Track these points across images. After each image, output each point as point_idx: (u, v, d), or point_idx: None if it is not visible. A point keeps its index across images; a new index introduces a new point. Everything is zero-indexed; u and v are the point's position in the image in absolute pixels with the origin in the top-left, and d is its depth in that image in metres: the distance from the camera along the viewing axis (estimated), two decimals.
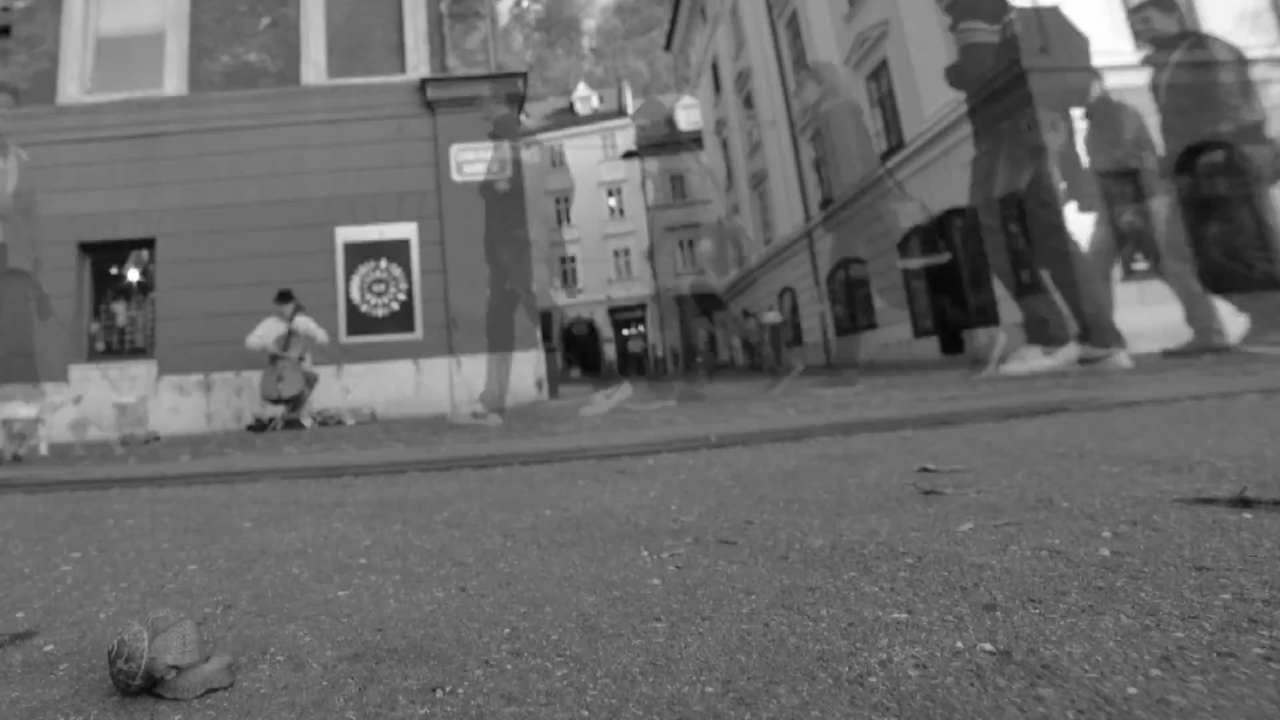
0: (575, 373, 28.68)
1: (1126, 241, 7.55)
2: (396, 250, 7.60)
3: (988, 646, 0.59)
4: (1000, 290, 8.97)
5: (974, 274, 9.66)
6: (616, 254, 29.12)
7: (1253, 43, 8.37)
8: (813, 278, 16.21)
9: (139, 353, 7.53)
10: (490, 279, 7.48)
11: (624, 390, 6.70)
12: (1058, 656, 0.56)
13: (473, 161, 7.72)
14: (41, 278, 7.30)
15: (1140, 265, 7.63)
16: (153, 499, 2.00)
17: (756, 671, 0.57)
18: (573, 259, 29.56)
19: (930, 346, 10.77)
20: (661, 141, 29.34)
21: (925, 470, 1.51)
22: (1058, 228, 6.23)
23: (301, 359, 6.36)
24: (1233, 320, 7.43)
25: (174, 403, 7.18)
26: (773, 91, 17.76)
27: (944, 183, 10.15)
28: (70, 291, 7.41)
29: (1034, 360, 5.32)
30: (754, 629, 0.67)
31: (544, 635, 0.70)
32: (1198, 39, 8.25)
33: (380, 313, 7.51)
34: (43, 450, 6.52)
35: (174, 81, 7.91)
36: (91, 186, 7.49)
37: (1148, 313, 7.52)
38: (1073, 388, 3.24)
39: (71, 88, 7.84)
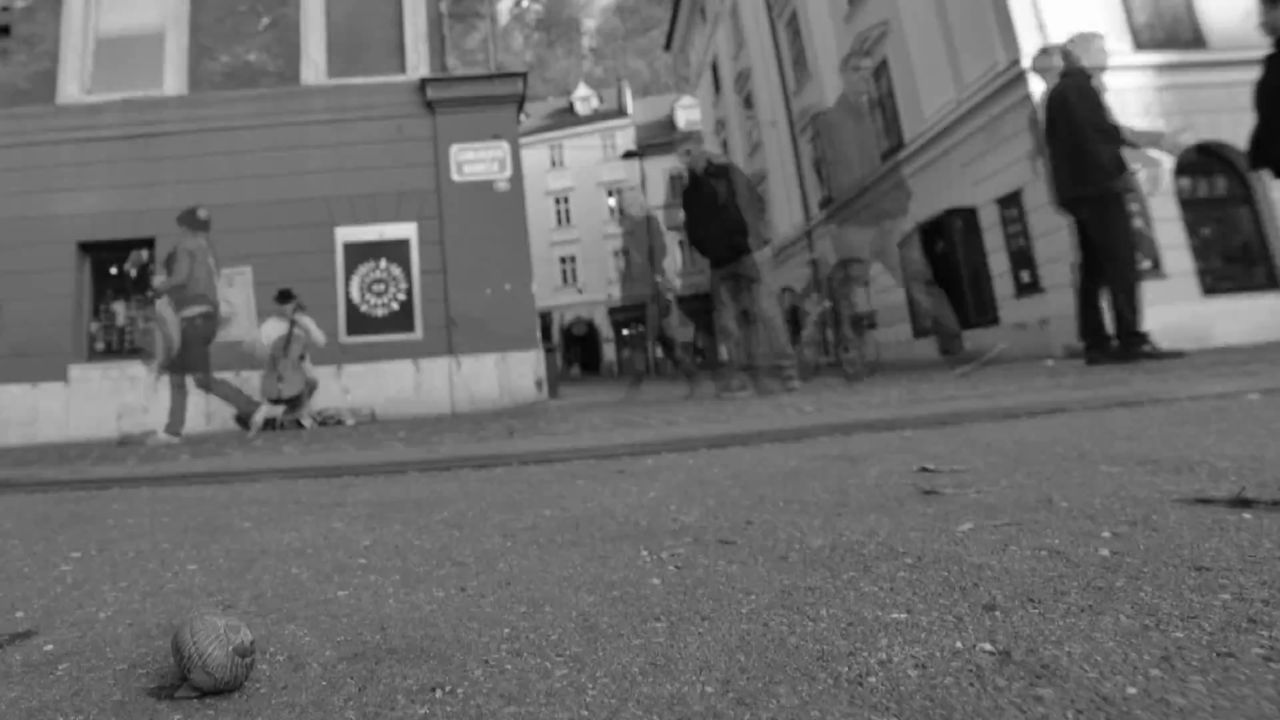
0: (575, 370, 28.61)
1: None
2: (396, 250, 7.60)
3: (987, 646, 0.59)
4: (1002, 290, 8.97)
5: (973, 274, 9.67)
6: (616, 254, 29.16)
7: (1254, 42, 8.36)
8: (813, 278, 16.20)
9: (139, 353, 7.52)
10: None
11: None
12: (1057, 656, 0.56)
13: (473, 161, 7.72)
14: (50, 277, 7.30)
15: (1141, 265, 7.63)
16: (152, 499, 2.00)
17: (756, 671, 0.57)
18: (573, 259, 29.52)
19: (929, 346, 10.77)
20: (661, 141, 29.32)
21: (925, 470, 1.51)
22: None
23: (302, 358, 6.36)
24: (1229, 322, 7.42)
25: None
26: (773, 91, 17.76)
27: (944, 183, 10.15)
28: (70, 291, 7.41)
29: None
30: (754, 629, 0.67)
31: (544, 635, 0.70)
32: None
33: (380, 313, 7.51)
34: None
35: (174, 81, 7.91)
36: (91, 186, 7.48)
37: (1148, 313, 7.52)
38: (1072, 387, 3.24)
39: (71, 88, 7.84)
